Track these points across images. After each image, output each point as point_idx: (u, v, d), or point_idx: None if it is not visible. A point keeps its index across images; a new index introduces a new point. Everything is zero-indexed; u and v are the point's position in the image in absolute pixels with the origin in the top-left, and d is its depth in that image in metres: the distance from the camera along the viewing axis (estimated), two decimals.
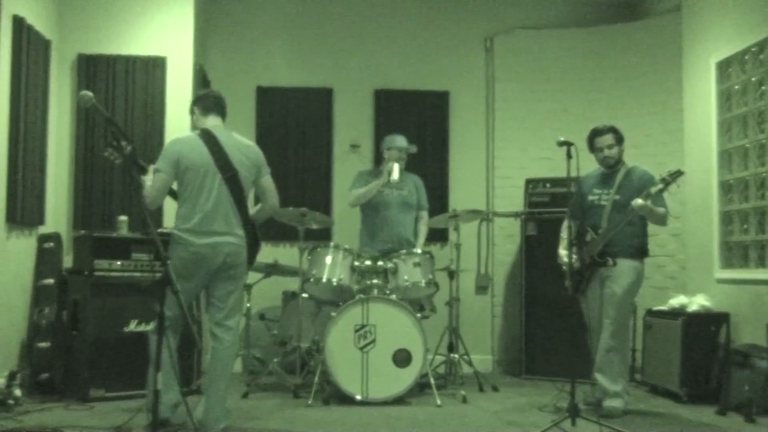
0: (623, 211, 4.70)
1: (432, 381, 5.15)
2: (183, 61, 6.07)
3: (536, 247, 6.47)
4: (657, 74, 6.63)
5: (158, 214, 5.67)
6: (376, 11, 7.24)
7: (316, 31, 7.16)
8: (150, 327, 4.28)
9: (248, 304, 5.98)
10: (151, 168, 4.10)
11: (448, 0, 7.26)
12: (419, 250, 5.59)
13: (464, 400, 5.22)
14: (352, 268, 5.41)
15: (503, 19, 7.25)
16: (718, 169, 5.79)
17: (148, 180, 4.04)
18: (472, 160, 7.19)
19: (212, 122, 4.25)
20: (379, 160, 6.23)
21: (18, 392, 4.70)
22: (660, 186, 4.54)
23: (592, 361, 4.93)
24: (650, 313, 5.82)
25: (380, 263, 5.43)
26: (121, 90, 5.92)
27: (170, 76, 6.01)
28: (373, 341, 5.13)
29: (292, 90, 7.05)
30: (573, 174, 4.46)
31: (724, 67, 5.80)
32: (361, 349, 5.12)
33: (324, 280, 5.37)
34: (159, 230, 5.06)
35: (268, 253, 6.57)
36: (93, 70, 5.92)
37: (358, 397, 5.06)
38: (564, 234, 5.00)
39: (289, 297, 5.91)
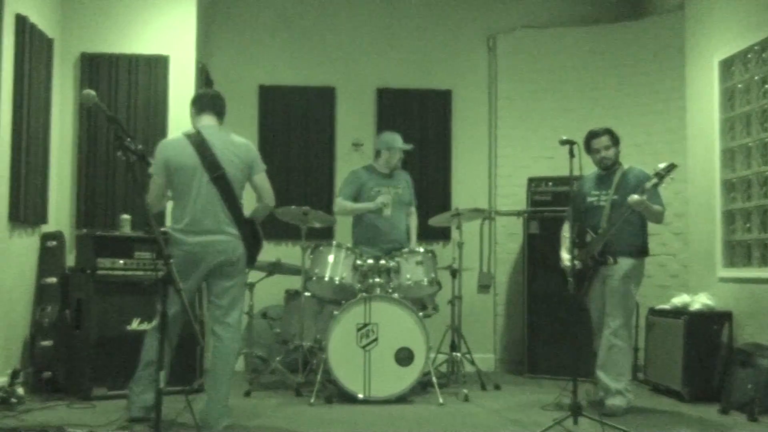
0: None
1: (434, 380, 5.14)
2: (186, 60, 6.07)
3: (538, 245, 6.46)
4: (660, 73, 6.62)
5: (161, 213, 5.67)
6: (378, 10, 7.24)
7: (319, 30, 7.16)
8: (149, 326, 4.30)
9: (251, 303, 6.00)
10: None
11: None
12: (421, 249, 5.59)
13: (466, 398, 5.22)
14: (355, 267, 5.41)
15: (506, 18, 7.25)
16: (721, 167, 5.78)
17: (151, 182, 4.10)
18: (475, 159, 7.19)
19: (206, 122, 4.27)
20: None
21: (21, 391, 4.70)
22: (654, 180, 4.56)
23: (594, 360, 4.93)
24: (653, 311, 5.81)
25: (382, 262, 5.43)
26: (123, 89, 5.92)
27: (173, 75, 6.01)
28: (376, 340, 5.13)
29: (294, 89, 7.05)
30: (575, 172, 4.46)
31: (727, 65, 5.80)
32: (364, 347, 5.12)
33: (326, 278, 5.38)
34: (161, 229, 5.06)
35: (270, 251, 6.58)
36: (95, 68, 5.93)
37: (361, 396, 5.07)
38: (566, 234, 5.02)
39: (292, 296, 5.92)
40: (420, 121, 7.10)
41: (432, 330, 5.41)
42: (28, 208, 5.22)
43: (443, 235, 6.91)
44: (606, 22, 7.05)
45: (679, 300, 5.65)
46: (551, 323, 6.30)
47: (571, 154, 4.43)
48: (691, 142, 6.30)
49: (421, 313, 5.31)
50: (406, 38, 7.23)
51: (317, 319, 5.71)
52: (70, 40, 5.94)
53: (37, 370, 5.16)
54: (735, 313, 5.42)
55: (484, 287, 7.03)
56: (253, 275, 5.94)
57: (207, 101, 4.32)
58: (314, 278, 5.41)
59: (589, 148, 5.01)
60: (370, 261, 5.43)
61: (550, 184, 6.52)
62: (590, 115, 6.70)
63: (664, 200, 4.95)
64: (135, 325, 5.12)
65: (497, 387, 5.78)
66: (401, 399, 5.10)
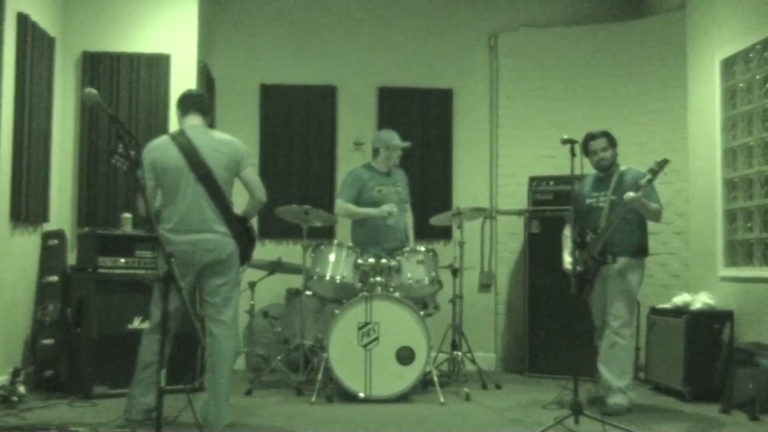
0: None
1: (435, 379, 5.14)
2: (187, 59, 6.08)
3: (540, 244, 6.46)
4: (661, 72, 6.61)
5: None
6: (379, 9, 7.24)
7: (320, 29, 7.16)
8: (146, 327, 4.31)
9: (252, 302, 6.00)
10: None
11: None
12: (422, 248, 5.58)
13: (467, 397, 5.22)
14: (356, 266, 5.41)
15: (508, 17, 7.25)
16: (722, 166, 5.78)
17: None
18: (476, 158, 7.19)
19: (191, 122, 4.28)
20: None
21: (22, 389, 4.71)
22: (648, 176, 4.59)
23: (595, 356, 4.94)
24: (654, 311, 5.81)
25: (383, 261, 5.42)
26: (125, 87, 5.93)
27: (174, 74, 6.01)
28: (377, 339, 5.13)
29: (295, 88, 7.05)
30: (577, 172, 4.47)
31: (728, 64, 5.79)
32: (365, 346, 5.12)
33: (327, 277, 5.38)
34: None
35: (271, 250, 6.61)
36: (97, 67, 5.93)
37: (361, 395, 5.07)
38: (567, 233, 5.03)
39: (293, 294, 5.92)
40: (421, 120, 7.10)
41: (433, 329, 5.41)
42: (29, 206, 5.22)
43: (444, 234, 6.91)
44: (608, 22, 7.05)
45: (680, 299, 5.65)
46: (552, 322, 6.30)
47: (573, 153, 4.45)
48: (692, 142, 6.29)
49: (422, 312, 5.31)
50: (408, 37, 7.22)
51: (318, 318, 5.71)
52: (71, 39, 5.95)
53: (39, 369, 5.17)
54: (736, 312, 5.42)
55: (485, 286, 7.02)
56: (255, 274, 5.95)
57: (191, 101, 4.34)
58: (315, 277, 5.41)
59: (586, 151, 5.03)
60: (371, 260, 5.42)
61: (552, 183, 6.52)
62: (592, 114, 6.70)
63: (665, 199, 4.97)
64: (136, 323, 5.12)
65: (498, 386, 5.77)
66: (402, 398, 5.10)
